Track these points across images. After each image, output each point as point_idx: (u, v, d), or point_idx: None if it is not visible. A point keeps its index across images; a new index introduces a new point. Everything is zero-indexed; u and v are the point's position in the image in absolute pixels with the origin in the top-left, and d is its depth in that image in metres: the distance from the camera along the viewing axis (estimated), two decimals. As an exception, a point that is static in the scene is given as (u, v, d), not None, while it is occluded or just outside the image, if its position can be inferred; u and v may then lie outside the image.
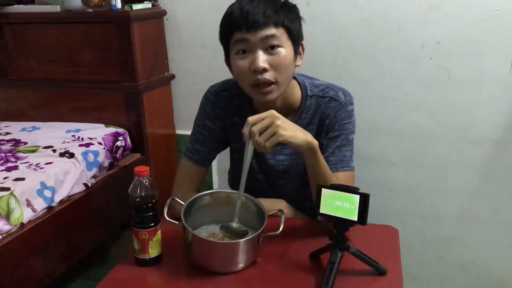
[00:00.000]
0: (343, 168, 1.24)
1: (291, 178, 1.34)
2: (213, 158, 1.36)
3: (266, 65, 1.12)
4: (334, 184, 1.03)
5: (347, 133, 1.26)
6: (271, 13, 1.11)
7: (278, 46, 1.13)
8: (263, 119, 1.04)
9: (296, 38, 1.17)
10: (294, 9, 1.19)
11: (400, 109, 1.88)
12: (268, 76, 1.13)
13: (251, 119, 1.05)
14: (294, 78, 1.28)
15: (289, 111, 1.26)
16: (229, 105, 1.31)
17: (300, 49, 1.22)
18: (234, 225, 1.11)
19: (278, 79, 1.15)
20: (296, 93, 1.27)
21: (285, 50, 1.14)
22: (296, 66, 1.21)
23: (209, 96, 1.33)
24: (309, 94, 1.27)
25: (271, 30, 1.11)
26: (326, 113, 1.26)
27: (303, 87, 1.28)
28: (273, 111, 1.06)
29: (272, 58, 1.13)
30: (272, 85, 1.15)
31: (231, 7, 1.16)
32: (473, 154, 1.85)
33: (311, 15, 1.87)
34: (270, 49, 1.13)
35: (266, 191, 1.36)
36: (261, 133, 1.04)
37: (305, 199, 1.30)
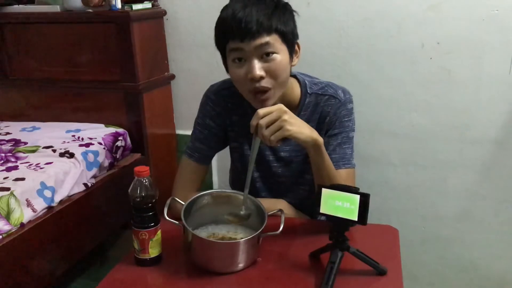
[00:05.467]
0: (345, 165, 1.25)
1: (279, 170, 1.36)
2: (213, 156, 1.36)
3: (262, 73, 1.12)
4: (334, 184, 1.03)
5: (348, 131, 1.27)
6: (264, 20, 1.10)
7: (273, 52, 1.12)
8: (271, 112, 1.04)
9: (290, 40, 1.16)
10: (286, 9, 1.17)
11: (400, 109, 1.88)
12: (265, 83, 1.13)
13: (261, 111, 1.04)
14: (294, 76, 1.29)
15: (288, 108, 1.27)
16: (229, 104, 1.31)
17: (296, 47, 1.21)
18: (241, 212, 1.12)
19: (275, 85, 1.15)
20: (295, 91, 1.27)
21: (280, 55, 1.13)
22: (292, 66, 1.21)
23: (209, 95, 1.33)
24: (308, 91, 1.27)
25: (265, 38, 1.10)
26: (326, 111, 1.27)
27: (302, 85, 1.28)
28: (281, 105, 1.06)
29: (267, 65, 1.12)
30: (269, 92, 1.15)
31: (224, 11, 1.14)
32: (473, 154, 1.85)
33: (311, 15, 1.87)
34: (266, 56, 1.12)
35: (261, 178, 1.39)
36: (268, 126, 1.04)
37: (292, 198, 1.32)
